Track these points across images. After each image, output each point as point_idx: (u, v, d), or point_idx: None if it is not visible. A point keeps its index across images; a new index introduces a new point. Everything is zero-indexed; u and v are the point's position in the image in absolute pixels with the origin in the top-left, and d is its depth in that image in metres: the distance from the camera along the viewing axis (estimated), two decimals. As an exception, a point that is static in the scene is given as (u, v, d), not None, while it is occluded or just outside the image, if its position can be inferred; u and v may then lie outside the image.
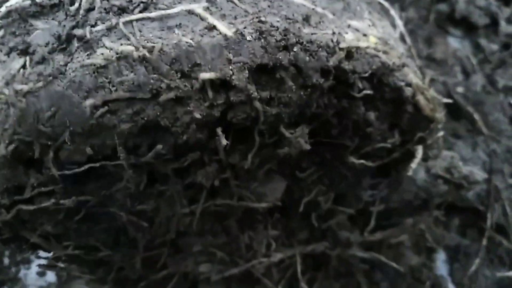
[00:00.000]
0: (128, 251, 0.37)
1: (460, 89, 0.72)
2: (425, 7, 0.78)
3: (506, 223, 0.59)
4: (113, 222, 0.33)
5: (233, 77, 0.24)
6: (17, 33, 0.27)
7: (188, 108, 0.24)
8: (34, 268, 0.58)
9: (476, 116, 0.63)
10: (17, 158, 0.26)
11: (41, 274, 0.58)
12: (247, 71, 0.24)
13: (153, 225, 0.34)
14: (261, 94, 0.25)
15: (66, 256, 0.37)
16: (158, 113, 0.24)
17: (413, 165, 0.34)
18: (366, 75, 0.29)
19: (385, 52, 0.29)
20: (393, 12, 0.36)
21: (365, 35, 0.29)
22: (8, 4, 0.29)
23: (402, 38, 0.36)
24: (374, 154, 0.35)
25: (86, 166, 0.26)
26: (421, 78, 0.33)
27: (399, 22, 0.35)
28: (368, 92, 0.29)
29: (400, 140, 0.34)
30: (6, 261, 0.58)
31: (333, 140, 0.33)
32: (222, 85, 0.24)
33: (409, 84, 0.31)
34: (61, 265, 0.39)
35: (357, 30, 0.29)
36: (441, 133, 0.36)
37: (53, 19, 0.27)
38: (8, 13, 0.28)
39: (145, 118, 0.25)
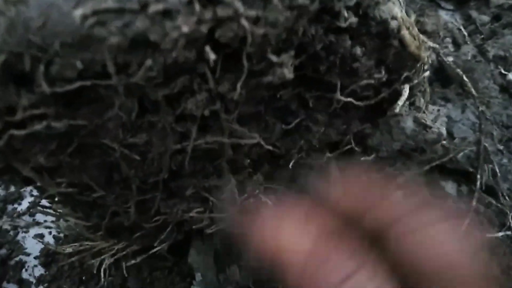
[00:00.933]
0: (122, 192, 0.38)
1: (450, 59, 0.73)
2: (416, -21, 0.79)
3: (496, 184, 0.60)
4: (106, 157, 0.34)
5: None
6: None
7: (177, 22, 0.25)
8: (32, 232, 0.59)
9: (466, 79, 0.64)
10: (8, 73, 0.26)
11: (39, 236, 0.59)
12: None
13: (146, 161, 0.35)
14: (248, 13, 0.26)
15: (60, 195, 0.38)
16: (147, 26, 0.25)
17: (400, 102, 0.35)
18: (351, 4, 0.30)
19: (369, -16, 0.30)
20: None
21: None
22: None
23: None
24: (361, 93, 0.36)
25: (77, 84, 0.27)
26: (408, 15, 0.35)
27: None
28: (354, 22, 0.30)
29: (387, 78, 0.35)
30: (4, 226, 0.60)
31: (320, 76, 0.34)
32: (209, 0, 0.25)
33: (394, 18, 0.32)
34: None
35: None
36: (427, 74, 0.37)
37: None
38: None
39: (134, 31, 0.25)
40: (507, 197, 0.59)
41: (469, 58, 0.72)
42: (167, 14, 0.25)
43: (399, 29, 0.32)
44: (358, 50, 0.32)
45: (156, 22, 0.26)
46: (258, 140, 0.35)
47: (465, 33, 0.75)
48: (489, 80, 0.69)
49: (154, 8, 0.25)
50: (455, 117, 0.62)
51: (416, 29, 0.34)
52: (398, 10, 0.32)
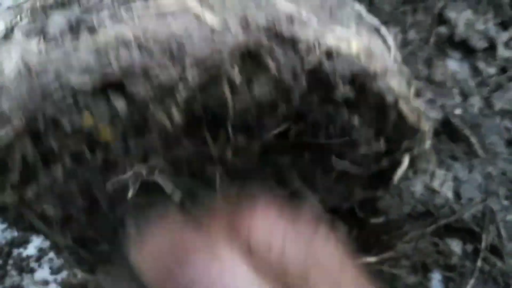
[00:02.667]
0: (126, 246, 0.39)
1: (458, 111, 0.74)
2: (425, 29, 0.81)
3: (500, 244, 0.61)
4: (112, 214, 0.35)
5: (214, 57, 0.27)
6: (36, 20, 0.31)
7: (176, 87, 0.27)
8: (36, 277, 0.60)
9: (473, 139, 0.65)
10: (26, 130, 0.29)
11: (44, 283, 0.60)
12: (230, 54, 0.27)
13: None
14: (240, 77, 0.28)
15: (66, 246, 0.39)
16: (147, 88, 0.27)
17: (399, 173, 0.36)
18: (347, 78, 0.31)
19: (367, 59, 0.32)
20: (383, 30, 0.39)
21: (348, 41, 0.32)
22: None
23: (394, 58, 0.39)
24: (361, 161, 0.37)
25: (86, 150, 0.29)
26: (406, 89, 0.36)
27: (391, 42, 0.38)
28: (350, 95, 0.31)
29: (386, 147, 0.36)
30: (9, 267, 0.61)
31: (320, 143, 0.35)
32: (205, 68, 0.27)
33: (392, 91, 0.33)
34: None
35: (340, 36, 0.32)
36: (428, 143, 0.38)
37: (67, 10, 0.31)
38: (33, 7, 0.31)
39: (137, 96, 0.27)
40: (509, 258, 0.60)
41: (476, 110, 0.74)
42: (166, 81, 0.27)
43: (396, 102, 0.33)
44: (356, 121, 0.34)
45: (155, 84, 0.27)
46: None
47: (472, 85, 0.77)
48: (495, 135, 0.70)
49: (154, 72, 0.27)
50: (462, 177, 0.63)
51: (414, 100, 0.35)
52: (396, 83, 0.33)
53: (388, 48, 0.39)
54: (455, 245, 0.61)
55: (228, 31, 0.27)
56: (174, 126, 0.28)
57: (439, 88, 0.77)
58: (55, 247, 0.43)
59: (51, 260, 0.60)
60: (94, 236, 0.37)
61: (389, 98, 0.33)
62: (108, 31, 0.27)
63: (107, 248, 0.38)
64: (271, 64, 0.27)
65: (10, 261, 0.61)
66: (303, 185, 0.38)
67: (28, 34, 0.29)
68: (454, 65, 0.80)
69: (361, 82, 0.32)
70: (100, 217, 0.36)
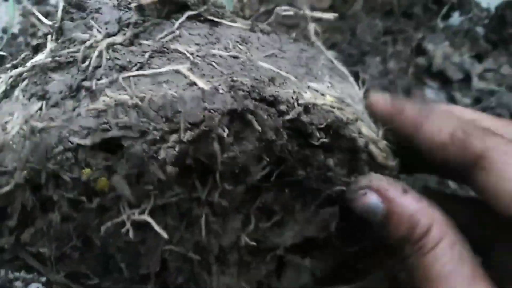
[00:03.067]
0: (116, 281, 0.43)
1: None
2: (405, 59, 0.87)
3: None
4: (104, 250, 0.39)
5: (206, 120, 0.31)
6: (38, 83, 0.34)
7: (169, 144, 0.31)
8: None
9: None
10: (27, 183, 0.32)
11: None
12: (219, 116, 0.31)
13: (139, 255, 0.40)
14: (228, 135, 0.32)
15: (59, 282, 0.43)
16: (143, 146, 0.31)
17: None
18: (322, 126, 0.35)
19: (340, 109, 0.36)
20: (351, 79, 0.44)
21: (322, 94, 0.36)
22: (33, 60, 0.37)
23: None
24: (336, 197, 0.41)
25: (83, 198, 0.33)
26: (375, 131, 0.40)
27: (356, 88, 0.43)
28: (325, 140, 0.36)
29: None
30: None
31: (299, 181, 0.39)
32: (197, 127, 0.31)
33: (362, 135, 0.37)
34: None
35: (316, 90, 0.36)
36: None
37: (67, 73, 0.35)
38: (32, 68, 0.35)
39: (134, 154, 0.31)
40: None
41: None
42: (162, 138, 0.31)
43: (366, 145, 0.37)
44: (331, 162, 0.38)
45: (152, 144, 0.31)
46: (243, 237, 0.40)
47: (448, 114, 0.82)
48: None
49: (152, 136, 0.31)
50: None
51: (383, 141, 0.40)
52: (365, 129, 0.38)
53: (357, 94, 0.44)
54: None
55: (218, 97, 0.31)
56: (167, 177, 0.32)
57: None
58: (48, 282, 0.46)
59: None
60: (86, 271, 0.41)
61: (360, 142, 0.37)
62: (108, 97, 0.31)
63: (98, 282, 0.42)
64: (256, 125, 0.32)
65: None
66: (284, 217, 0.42)
67: (30, 97, 0.33)
68: (432, 94, 0.85)
69: (335, 129, 0.36)
70: (92, 254, 0.39)
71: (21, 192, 0.33)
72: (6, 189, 0.32)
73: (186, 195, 0.36)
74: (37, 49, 0.42)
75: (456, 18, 0.91)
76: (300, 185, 0.40)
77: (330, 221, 0.43)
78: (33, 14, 0.48)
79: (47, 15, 0.86)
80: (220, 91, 0.31)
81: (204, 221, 0.38)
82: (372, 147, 0.38)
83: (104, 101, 0.31)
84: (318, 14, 0.86)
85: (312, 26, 0.48)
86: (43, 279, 0.45)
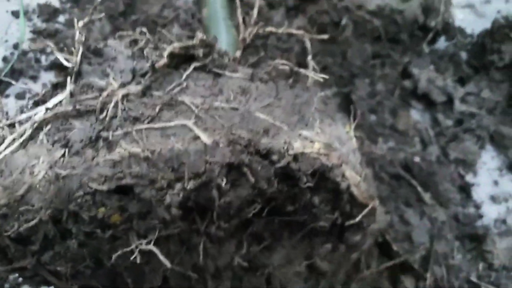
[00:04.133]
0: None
1: (417, 159, 0.83)
2: (392, 82, 0.91)
3: (443, 284, 0.70)
4: (113, 268, 0.44)
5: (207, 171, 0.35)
6: (60, 129, 0.38)
7: (174, 191, 0.35)
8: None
9: (419, 188, 0.74)
10: (50, 219, 0.36)
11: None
12: (218, 168, 0.35)
13: (144, 273, 0.44)
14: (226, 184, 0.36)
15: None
16: (152, 192, 0.35)
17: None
18: (309, 172, 0.40)
19: (326, 155, 0.40)
20: (340, 124, 0.48)
21: (312, 141, 0.41)
22: (54, 101, 0.41)
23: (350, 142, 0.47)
24: (320, 228, 0.45)
25: (98, 230, 0.37)
26: (359, 171, 0.44)
27: (342, 128, 0.47)
28: (311, 184, 0.40)
29: (341, 219, 0.45)
30: None
31: (288, 217, 0.44)
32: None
33: (345, 179, 0.42)
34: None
35: (305, 138, 0.40)
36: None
37: (87, 120, 0.38)
38: (55, 115, 0.39)
39: (144, 198, 0.35)
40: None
41: (434, 159, 0.83)
42: (169, 186, 0.36)
43: (348, 187, 0.42)
44: (316, 200, 0.42)
45: (160, 191, 0.36)
46: (237, 258, 0.45)
47: (432, 134, 0.86)
48: (449, 182, 0.79)
49: (159, 184, 0.35)
50: (414, 223, 0.72)
51: (363, 184, 0.44)
52: (349, 172, 0.42)
53: (345, 134, 0.48)
54: (409, 283, 0.70)
55: (218, 151, 0.35)
56: (171, 217, 0.36)
57: (402, 137, 0.86)
58: None
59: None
60: (96, 285, 0.45)
61: (343, 185, 0.41)
62: (122, 149, 0.35)
63: None
64: (250, 176, 0.36)
65: (6, 286, 0.65)
66: (273, 242, 0.47)
67: (53, 143, 0.37)
68: (416, 115, 0.89)
69: (321, 173, 0.41)
70: (103, 271, 0.44)
71: (44, 225, 0.37)
72: (32, 223, 0.36)
73: (187, 227, 0.40)
74: (56, 87, 0.46)
75: (442, 43, 0.95)
76: (288, 217, 0.45)
77: (314, 248, 0.48)
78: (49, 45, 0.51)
79: (56, 32, 0.90)
80: (220, 145, 0.35)
81: (202, 247, 0.43)
82: (353, 189, 0.42)
83: (119, 152, 0.35)
84: (314, 36, 0.90)
85: (310, 74, 0.51)
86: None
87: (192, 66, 0.42)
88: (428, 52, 0.94)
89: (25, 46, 0.85)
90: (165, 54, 0.39)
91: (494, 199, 0.80)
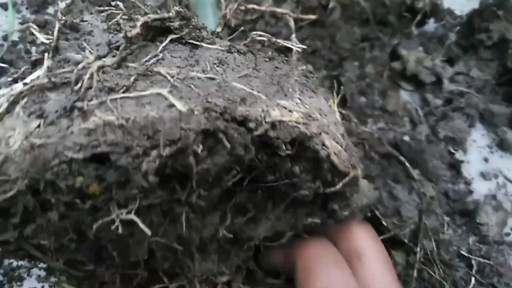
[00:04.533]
0: (109, 267, 0.47)
1: (406, 138, 0.83)
2: (381, 64, 0.90)
3: (435, 255, 0.69)
4: (97, 241, 0.43)
5: (182, 139, 0.35)
6: (36, 101, 0.38)
7: (150, 158, 0.35)
8: (26, 285, 0.66)
9: (408, 164, 0.74)
10: (28, 189, 0.36)
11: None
12: (194, 135, 0.35)
13: (128, 245, 0.44)
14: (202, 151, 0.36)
15: (58, 269, 0.47)
16: (128, 160, 0.34)
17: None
18: (288, 140, 0.39)
19: (304, 124, 0.40)
20: (322, 91, 0.47)
21: (290, 111, 0.40)
22: (32, 77, 0.41)
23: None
24: (303, 198, 0.45)
25: (78, 201, 0.37)
26: (341, 142, 0.44)
27: (324, 101, 0.46)
28: (291, 152, 0.40)
29: (323, 188, 0.44)
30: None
31: (270, 186, 0.43)
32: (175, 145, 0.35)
33: (325, 147, 0.41)
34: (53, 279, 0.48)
35: (284, 107, 0.40)
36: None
37: (62, 92, 0.38)
38: (31, 88, 0.38)
39: (120, 166, 0.35)
40: (445, 268, 0.68)
41: (423, 138, 0.82)
42: (144, 153, 0.35)
43: (328, 155, 0.41)
44: (297, 169, 0.42)
45: (136, 158, 0.35)
46: (221, 230, 0.45)
47: (421, 114, 0.86)
48: (438, 159, 0.78)
49: (135, 151, 0.35)
50: (402, 198, 0.71)
51: (344, 153, 0.43)
52: (329, 140, 0.42)
53: (327, 106, 0.48)
54: (399, 257, 0.70)
55: (194, 118, 0.35)
56: (149, 184, 0.36)
57: (392, 117, 0.85)
58: (49, 268, 0.50)
59: (40, 269, 0.64)
60: (82, 259, 0.45)
61: (322, 153, 0.41)
62: (97, 118, 0.35)
63: (93, 268, 0.46)
64: (226, 142, 0.35)
65: (1, 271, 0.65)
66: (257, 214, 0.46)
67: (29, 115, 0.37)
68: (406, 95, 0.89)
69: (300, 142, 0.40)
70: (87, 245, 0.43)
71: (22, 196, 0.37)
72: (9, 194, 0.36)
73: (167, 197, 0.40)
74: (35, 64, 0.46)
75: (431, 25, 0.95)
76: (271, 188, 0.44)
77: (299, 218, 0.48)
78: (31, 27, 0.51)
79: (45, 23, 0.89)
80: (196, 112, 0.35)
81: (184, 218, 0.42)
82: (334, 158, 0.42)
83: (94, 121, 0.35)
84: (300, 16, 0.89)
85: (288, 44, 0.51)
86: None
87: (168, 38, 0.42)
88: (417, 34, 0.93)
89: (14, 37, 0.85)
90: (139, 23, 0.39)
91: (484, 175, 0.80)
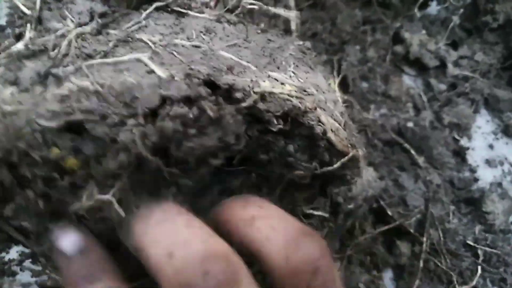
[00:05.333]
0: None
1: (410, 124, 0.79)
2: (383, 48, 0.87)
3: (442, 245, 0.66)
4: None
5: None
6: (12, 69, 0.35)
7: (127, 127, 0.31)
8: (18, 280, 0.64)
9: (413, 151, 0.70)
10: (1, 162, 0.33)
11: (26, 286, 0.64)
12: (173, 102, 0.31)
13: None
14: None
15: (42, 254, 0.43)
16: (105, 131, 0.31)
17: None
18: (279, 114, 0.36)
19: (298, 97, 0.36)
20: (320, 69, 0.44)
21: (282, 83, 0.37)
22: (13, 48, 0.38)
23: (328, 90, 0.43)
24: (300, 180, 0.41)
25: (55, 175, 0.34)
26: (339, 120, 0.41)
27: (322, 79, 0.43)
28: (283, 127, 0.36)
29: (320, 168, 0.41)
30: None
31: (263, 166, 0.40)
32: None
33: (320, 123, 0.38)
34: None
35: (275, 79, 0.37)
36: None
37: (39, 60, 0.35)
38: (9, 55, 0.35)
39: (96, 135, 0.32)
40: (451, 258, 0.65)
41: (427, 124, 0.79)
42: (120, 122, 0.32)
43: (325, 132, 0.38)
44: (291, 148, 0.38)
45: (112, 127, 0.32)
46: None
47: (425, 99, 0.82)
48: (443, 146, 0.75)
49: (111, 120, 0.31)
50: (408, 187, 0.68)
51: (342, 131, 0.40)
52: (325, 117, 0.38)
53: (324, 83, 0.44)
54: (405, 247, 0.67)
55: (174, 84, 0.31)
56: (129, 158, 0.32)
57: (395, 103, 0.82)
58: (33, 254, 0.47)
59: (32, 263, 0.62)
60: None
61: (318, 130, 0.38)
62: (72, 84, 0.32)
63: None
64: (210, 112, 0.32)
65: None
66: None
67: (3, 82, 0.34)
68: (409, 80, 0.85)
69: (293, 117, 0.37)
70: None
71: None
72: None
73: (151, 174, 0.36)
74: (19, 38, 0.42)
75: (433, 8, 0.91)
76: (265, 170, 0.41)
77: (297, 204, 0.44)
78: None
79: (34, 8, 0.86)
80: (176, 78, 0.32)
81: (172, 199, 0.39)
82: (331, 135, 0.38)
83: (68, 87, 0.32)
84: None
85: (293, 17, 0.48)
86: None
87: (153, 6, 0.39)
88: (420, 17, 0.89)
89: (2, 21, 0.82)
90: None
91: (489, 162, 0.76)
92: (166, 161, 0.36)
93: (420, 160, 0.70)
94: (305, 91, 0.39)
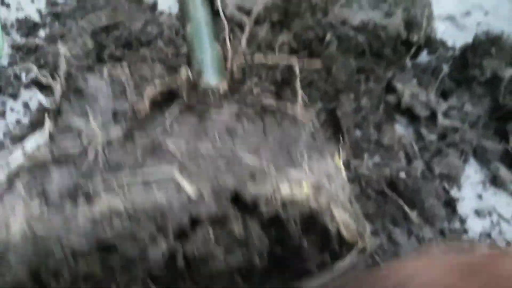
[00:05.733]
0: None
1: (402, 175, 0.81)
2: (376, 97, 0.89)
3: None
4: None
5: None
6: (37, 178, 0.35)
7: (157, 244, 0.33)
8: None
9: (406, 208, 0.72)
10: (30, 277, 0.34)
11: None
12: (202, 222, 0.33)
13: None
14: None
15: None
16: (134, 248, 0.32)
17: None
18: (298, 219, 0.37)
19: (315, 198, 0.38)
20: (329, 157, 0.45)
21: (300, 183, 0.38)
22: (31, 143, 0.38)
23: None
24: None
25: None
26: (348, 208, 0.42)
27: (331, 162, 0.44)
28: (300, 229, 0.38)
29: (330, 261, 0.43)
30: None
31: (276, 261, 0.42)
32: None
33: (334, 222, 0.40)
34: None
35: (294, 179, 0.38)
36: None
37: (65, 168, 0.36)
38: (31, 159, 0.36)
39: (126, 254, 0.33)
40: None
41: (419, 174, 0.81)
42: (151, 239, 0.33)
43: (337, 230, 0.40)
44: (305, 243, 0.40)
45: (141, 242, 0.33)
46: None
47: (416, 149, 0.85)
48: (434, 198, 0.77)
49: (141, 235, 0.33)
50: (401, 242, 0.70)
51: (352, 223, 0.42)
52: (337, 210, 0.40)
53: (333, 168, 0.46)
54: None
55: (203, 201, 0.33)
56: (155, 271, 0.33)
57: (387, 152, 0.84)
58: None
59: None
60: None
61: (332, 228, 0.39)
62: (102, 202, 0.32)
63: None
64: (236, 228, 0.33)
65: None
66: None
67: (29, 191, 0.34)
68: (401, 129, 0.87)
69: (309, 217, 0.39)
70: None
71: (23, 284, 0.34)
72: (7, 279, 0.34)
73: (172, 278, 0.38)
74: (35, 126, 0.43)
75: (424, 56, 0.94)
76: (277, 260, 0.42)
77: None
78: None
79: (36, 48, 0.86)
80: (205, 195, 0.33)
81: None
82: (342, 230, 0.40)
83: (99, 205, 0.33)
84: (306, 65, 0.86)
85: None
86: None
87: (176, 110, 0.40)
88: (411, 66, 0.92)
89: (3, 62, 0.81)
90: (145, 97, 0.37)
91: (478, 213, 0.79)
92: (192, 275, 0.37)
93: (413, 215, 0.72)
94: (319, 187, 0.40)
